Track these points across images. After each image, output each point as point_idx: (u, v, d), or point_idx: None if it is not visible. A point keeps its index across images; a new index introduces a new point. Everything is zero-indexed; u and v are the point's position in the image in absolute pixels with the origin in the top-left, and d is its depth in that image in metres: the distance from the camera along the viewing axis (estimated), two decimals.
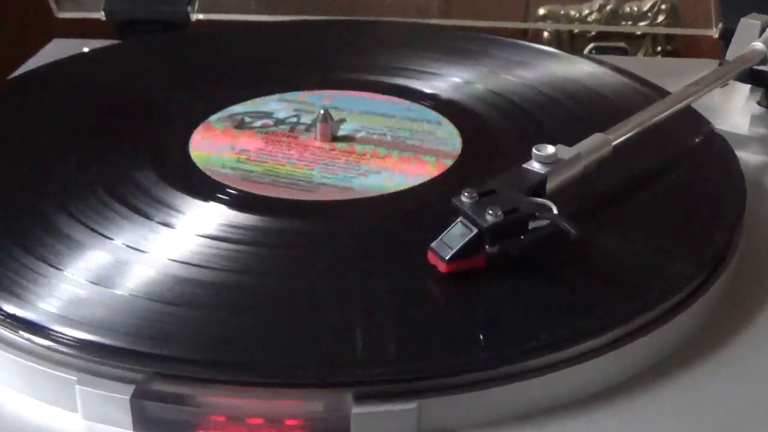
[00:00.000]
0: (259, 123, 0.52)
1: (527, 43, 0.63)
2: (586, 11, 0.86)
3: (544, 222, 0.40)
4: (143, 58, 0.63)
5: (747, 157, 0.53)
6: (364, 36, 0.65)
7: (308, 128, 0.52)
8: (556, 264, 0.41)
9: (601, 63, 0.60)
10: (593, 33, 0.86)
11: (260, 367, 0.36)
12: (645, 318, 0.39)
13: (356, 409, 0.34)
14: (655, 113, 0.49)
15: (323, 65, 0.61)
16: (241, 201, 0.46)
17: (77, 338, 0.37)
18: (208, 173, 0.47)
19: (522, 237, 0.40)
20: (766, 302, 0.42)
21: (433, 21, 0.71)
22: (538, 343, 0.36)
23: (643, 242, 0.43)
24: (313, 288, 0.40)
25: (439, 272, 0.39)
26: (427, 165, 0.49)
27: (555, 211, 0.40)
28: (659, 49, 0.88)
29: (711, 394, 0.38)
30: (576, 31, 0.87)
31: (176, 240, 0.43)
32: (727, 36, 0.65)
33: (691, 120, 0.53)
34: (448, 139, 0.52)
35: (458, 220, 0.40)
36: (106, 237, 0.43)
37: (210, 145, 0.49)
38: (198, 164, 0.47)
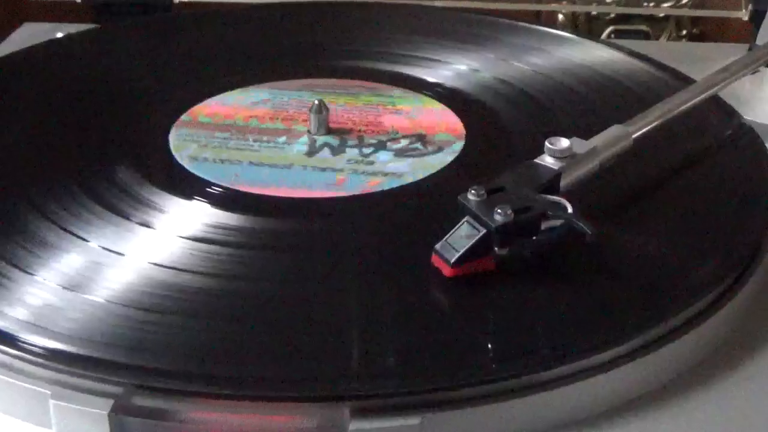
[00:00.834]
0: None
1: (540, 27, 0.63)
2: None
3: (558, 222, 0.40)
4: (122, 44, 0.63)
5: None
6: (359, 19, 0.65)
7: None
8: (570, 267, 0.41)
9: (620, 48, 0.60)
10: (612, 15, 0.86)
11: (250, 380, 0.36)
12: (668, 326, 0.39)
13: (354, 425, 0.35)
14: (679, 103, 0.49)
15: (309, 52, 0.61)
16: (227, 199, 0.46)
17: (50, 348, 0.37)
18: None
19: (534, 238, 0.40)
20: None
21: (437, 3, 0.71)
22: (551, 354, 0.37)
23: (665, 243, 0.43)
24: (306, 294, 0.40)
25: (443, 276, 0.40)
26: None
27: (570, 210, 0.40)
28: (684, 32, 0.89)
29: (740, 405, 0.38)
30: (593, 13, 0.87)
31: (157, 242, 0.43)
32: (757, 19, 0.65)
33: (718, 110, 0.53)
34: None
35: (464, 219, 0.40)
36: (81, 238, 0.43)
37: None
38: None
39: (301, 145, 0.51)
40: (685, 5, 0.85)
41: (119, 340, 0.37)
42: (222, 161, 0.49)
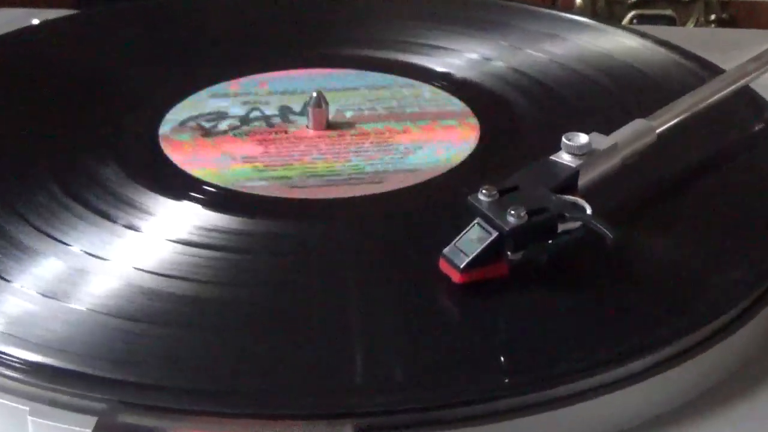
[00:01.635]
0: (224, 125, 0.52)
1: (556, 12, 0.64)
2: None
3: (576, 224, 0.40)
4: (104, 32, 0.63)
5: None
6: (361, 6, 0.66)
7: (285, 119, 0.53)
8: (589, 274, 0.41)
9: (643, 35, 0.61)
10: None
11: (245, 396, 0.36)
12: (695, 337, 0.39)
13: None
14: (707, 95, 0.49)
15: (308, 40, 0.61)
16: (219, 199, 0.46)
17: (28, 361, 0.37)
18: (245, 190, 0.47)
19: (550, 242, 0.40)
20: None
21: None
22: (568, 368, 0.37)
23: (692, 247, 0.44)
24: (306, 302, 0.40)
25: (452, 283, 0.40)
26: (457, 130, 0.52)
27: (589, 211, 0.40)
28: (712, 17, 0.89)
29: None
30: None
31: (144, 246, 0.43)
32: None
33: (750, 103, 0.53)
34: (441, 99, 0.55)
35: (475, 221, 0.40)
36: (62, 242, 0.43)
37: (204, 161, 0.49)
38: (220, 184, 0.47)
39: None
40: None
41: (103, 352, 0.37)
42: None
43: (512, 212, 0.39)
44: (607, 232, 0.39)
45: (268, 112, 0.54)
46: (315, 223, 0.45)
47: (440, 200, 0.47)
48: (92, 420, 0.35)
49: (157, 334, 0.38)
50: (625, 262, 0.42)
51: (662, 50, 0.59)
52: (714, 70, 0.56)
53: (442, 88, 0.56)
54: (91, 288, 0.41)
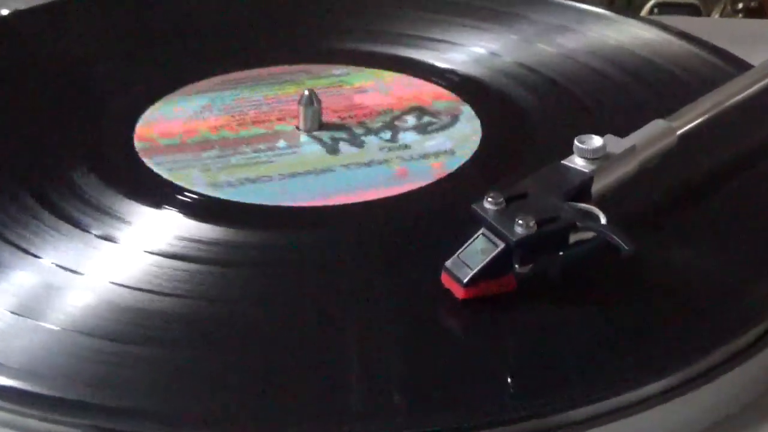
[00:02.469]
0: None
1: (568, 2, 0.64)
2: None
3: (589, 234, 0.40)
4: (79, 23, 0.63)
5: None
6: None
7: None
8: (604, 288, 0.41)
9: (663, 27, 0.61)
10: None
11: (231, 421, 0.36)
12: (719, 357, 0.39)
13: None
14: (733, 93, 0.49)
15: (296, 34, 0.62)
16: (204, 208, 0.47)
17: None
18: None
19: (561, 253, 0.41)
20: None
21: None
22: (581, 391, 0.37)
23: (716, 259, 0.44)
24: (298, 320, 0.40)
25: (455, 299, 0.40)
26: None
27: (603, 221, 0.40)
28: (740, 6, 0.89)
29: None
30: None
31: (121, 258, 0.44)
32: None
33: None
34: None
35: (480, 232, 0.41)
36: (32, 255, 0.43)
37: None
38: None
39: (312, 144, 0.52)
40: None
41: (77, 374, 0.38)
42: (250, 181, 0.49)
43: (520, 222, 0.40)
44: (623, 244, 0.39)
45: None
46: (302, 231, 0.46)
47: (437, 208, 0.47)
48: None
49: (136, 355, 0.38)
50: (643, 276, 0.42)
51: (684, 43, 0.59)
52: (741, 65, 0.56)
53: (444, 86, 0.56)
54: (64, 305, 0.41)
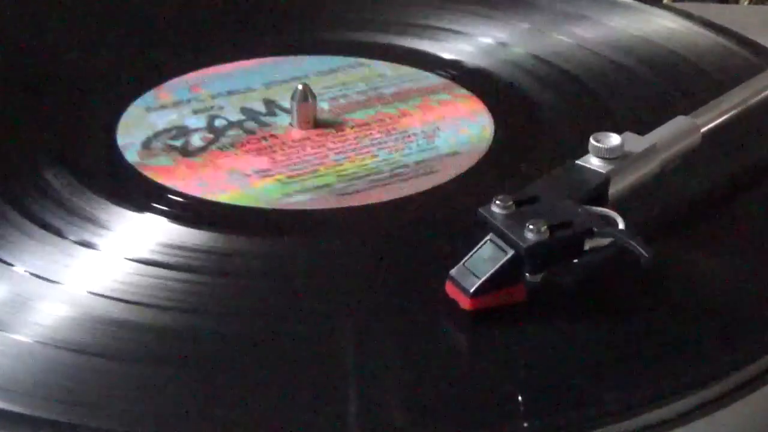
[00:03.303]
0: (198, 140, 0.52)
1: None
2: None
3: (606, 241, 0.40)
4: (54, 11, 0.63)
5: None
6: None
7: (258, 121, 0.54)
8: (622, 299, 0.42)
9: (687, 16, 0.61)
10: None
11: None
12: (749, 373, 0.39)
13: None
14: (763, 87, 0.49)
15: (296, 23, 0.62)
16: (191, 211, 0.47)
17: None
18: (290, 207, 0.47)
19: (575, 261, 0.41)
20: None
21: None
22: (597, 410, 0.37)
23: (743, 268, 0.44)
24: (292, 333, 0.40)
25: (460, 310, 0.40)
26: (457, 103, 0.55)
27: (621, 226, 0.40)
28: None
29: None
30: None
31: (100, 266, 0.44)
32: None
33: None
34: (407, 73, 0.57)
35: (487, 238, 0.41)
36: (4, 262, 0.43)
37: (221, 183, 0.49)
38: (252, 205, 0.48)
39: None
40: None
41: (52, 390, 0.38)
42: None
43: (531, 227, 0.40)
44: (643, 251, 0.39)
45: (233, 117, 0.54)
46: (289, 237, 0.46)
47: (441, 212, 0.47)
48: None
49: (115, 371, 0.39)
50: (665, 286, 0.42)
51: (710, 33, 0.59)
52: None
53: (451, 78, 0.56)
54: (39, 316, 0.41)
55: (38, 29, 0.61)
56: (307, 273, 0.44)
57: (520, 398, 0.38)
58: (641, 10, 0.62)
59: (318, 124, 0.53)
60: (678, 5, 0.72)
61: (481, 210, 0.41)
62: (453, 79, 0.56)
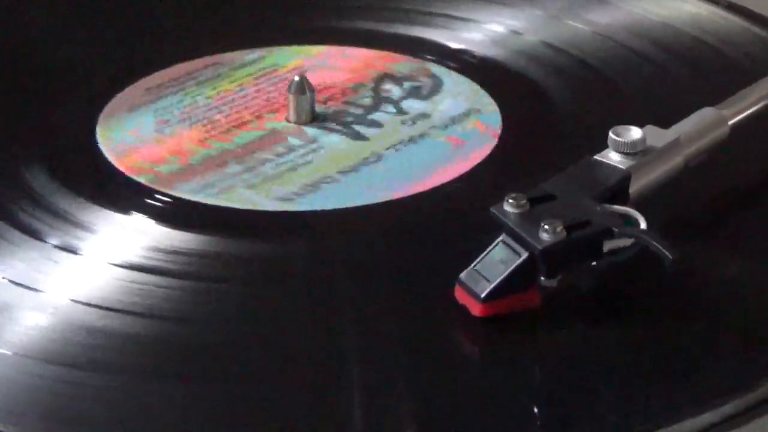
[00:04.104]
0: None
1: None
2: None
3: (627, 241, 0.40)
4: (36, 3, 0.64)
5: None
6: None
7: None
8: (644, 304, 0.42)
9: (714, 0, 0.61)
10: None
11: None
12: None
13: None
14: None
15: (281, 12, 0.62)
16: (178, 212, 0.47)
17: None
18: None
19: (594, 264, 0.41)
20: None
21: None
22: (618, 423, 0.37)
23: None
24: (289, 341, 0.41)
25: (471, 316, 0.40)
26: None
27: (643, 225, 0.40)
28: None
29: None
30: None
31: (83, 272, 0.44)
32: None
33: None
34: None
35: (499, 239, 0.41)
36: None
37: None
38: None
39: (327, 135, 0.52)
40: None
41: (33, 406, 0.38)
42: (311, 187, 0.48)
43: (546, 227, 0.40)
44: (667, 253, 0.39)
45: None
46: (289, 241, 0.46)
47: (448, 211, 0.47)
48: None
49: (101, 384, 0.39)
50: (690, 290, 0.42)
51: (737, 18, 0.59)
52: None
53: (458, 69, 0.56)
54: (17, 326, 0.41)
55: (14, 28, 0.61)
56: (306, 276, 0.44)
57: (535, 411, 0.38)
58: None
59: (315, 119, 0.53)
60: None
61: (493, 209, 0.41)
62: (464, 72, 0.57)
